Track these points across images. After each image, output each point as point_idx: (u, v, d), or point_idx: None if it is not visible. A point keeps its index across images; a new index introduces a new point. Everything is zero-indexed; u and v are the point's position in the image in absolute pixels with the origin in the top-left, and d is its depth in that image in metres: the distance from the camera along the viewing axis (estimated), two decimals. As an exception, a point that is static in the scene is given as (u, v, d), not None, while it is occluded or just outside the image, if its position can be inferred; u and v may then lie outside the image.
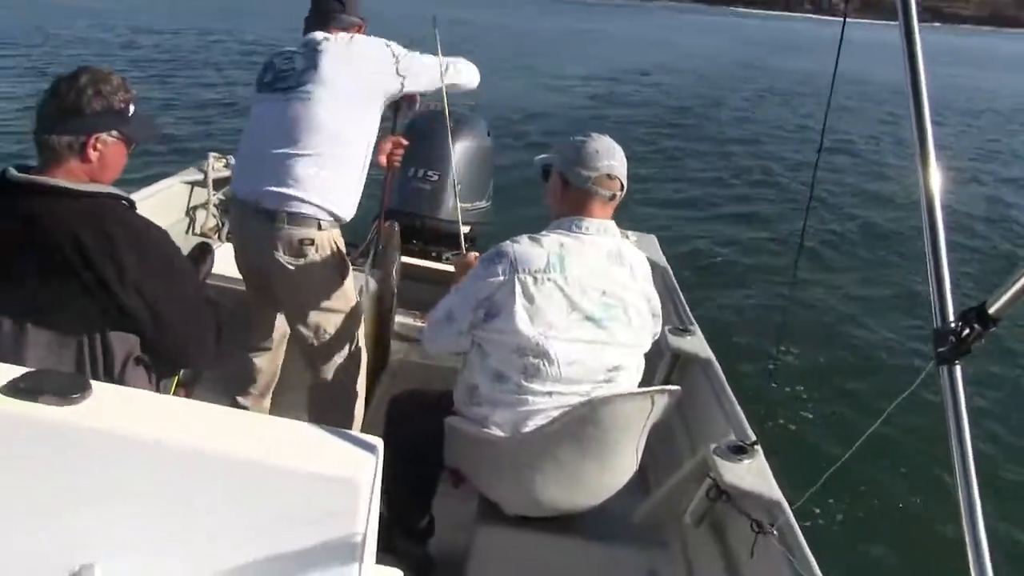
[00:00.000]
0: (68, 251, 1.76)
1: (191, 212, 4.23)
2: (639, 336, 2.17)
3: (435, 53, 2.93)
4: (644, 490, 2.48)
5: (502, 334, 2.03)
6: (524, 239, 2.12)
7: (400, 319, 3.29)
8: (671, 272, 3.62)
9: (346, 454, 1.23)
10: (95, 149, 1.82)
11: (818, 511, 3.56)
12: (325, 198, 2.64)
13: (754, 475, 2.02)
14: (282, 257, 2.64)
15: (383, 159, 2.95)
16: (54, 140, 1.80)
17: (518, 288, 2.02)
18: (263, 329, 2.98)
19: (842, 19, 1.96)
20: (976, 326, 1.10)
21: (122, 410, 1.25)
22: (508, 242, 2.13)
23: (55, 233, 1.77)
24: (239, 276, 2.93)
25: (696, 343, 2.95)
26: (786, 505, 1.95)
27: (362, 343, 2.91)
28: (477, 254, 2.53)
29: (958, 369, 1.14)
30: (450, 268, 3.32)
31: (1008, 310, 1.11)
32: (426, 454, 2.24)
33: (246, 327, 2.96)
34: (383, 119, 2.86)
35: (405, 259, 3.75)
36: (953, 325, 1.13)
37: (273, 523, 1.22)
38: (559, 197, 2.20)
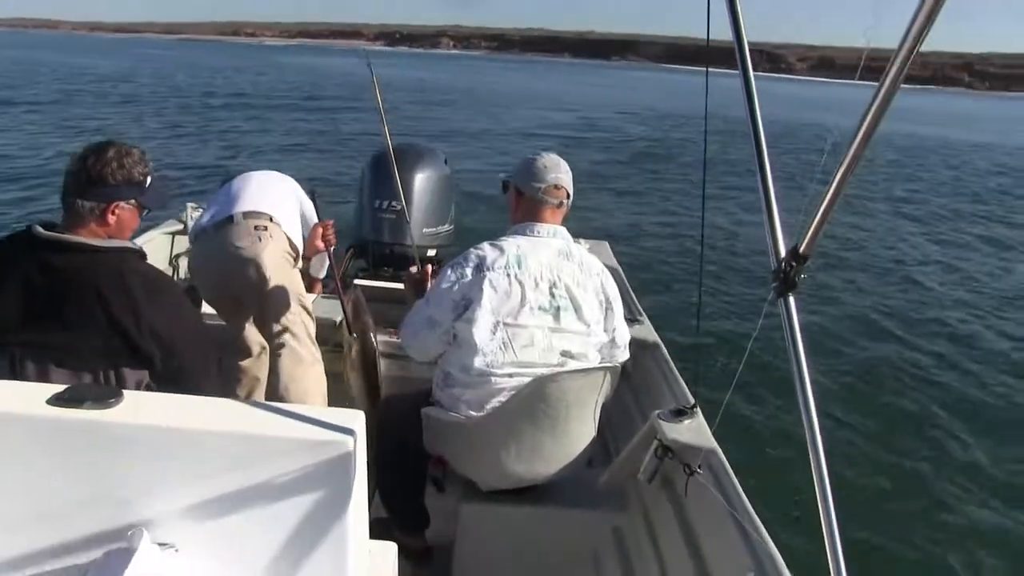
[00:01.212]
0: (89, 300, 1.98)
1: (174, 260, 4.49)
2: (589, 325, 2.45)
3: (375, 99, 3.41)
4: (605, 457, 2.78)
5: (470, 323, 2.33)
6: (486, 245, 2.44)
7: (379, 337, 3.57)
8: (621, 272, 3.98)
9: (333, 425, 1.51)
10: (113, 214, 2.07)
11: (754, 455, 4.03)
12: (270, 205, 3.21)
13: (692, 432, 2.32)
14: (242, 243, 3.06)
15: (319, 243, 3.42)
16: (79, 204, 2.04)
17: (486, 283, 2.33)
18: (243, 346, 3.32)
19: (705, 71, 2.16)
20: (794, 263, 1.41)
21: (149, 410, 1.52)
22: (472, 248, 2.45)
23: (78, 284, 1.99)
24: (214, 312, 3.26)
25: (644, 330, 3.30)
26: (719, 451, 2.26)
27: (311, 334, 3.27)
28: (427, 269, 2.89)
29: (791, 300, 1.43)
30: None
31: (813, 247, 1.41)
32: (409, 444, 2.51)
33: (231, 348, 3.28)
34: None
35: (377, 283, 4.07)
36: (783, 265, 1.43)
37: (275, 488, 1.48)
38: (515, 206, 2.56)
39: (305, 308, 3.24)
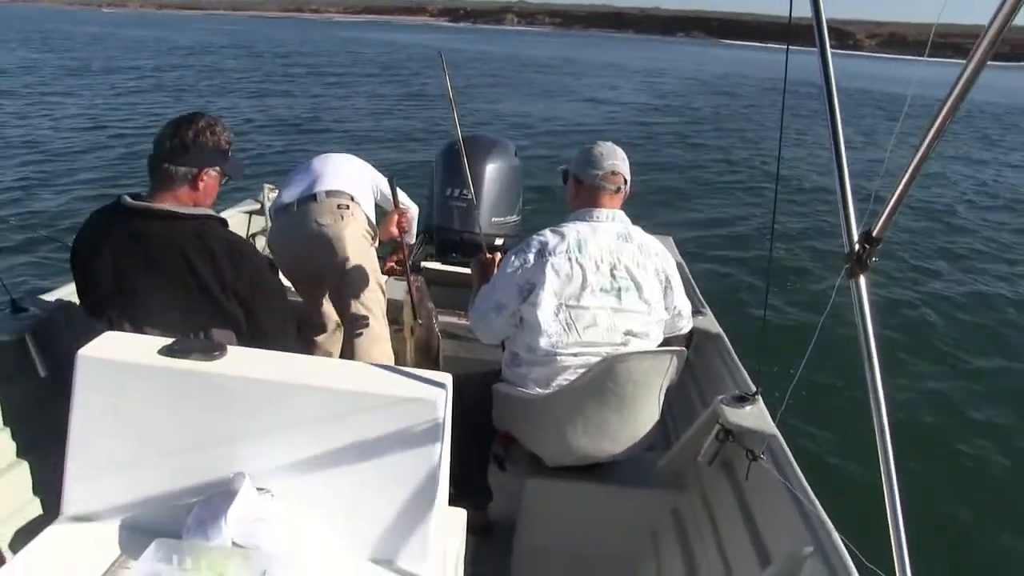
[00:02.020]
0: (178, 265, 2.12)
1: (251, 239, 4.64)
2: (651, 305, 2.53)
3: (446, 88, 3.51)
4: (666, 442, 2.85)
5: (535, 306, 2.43)
6: (547, 231, 2.54)
7: (445, 318, 3.70)
8: (686, 266, 4.04)
9: (423, 384, 1.62)
10: (202, 180, 2.20)
11: (816, 443, 4.02)
12: (351, 186, 3.30)
13: (754, 417, 2.38)
14: (324, 221, 3.15)
15: (394, 229, 3.52)
16: (171, 170, 2.17)
17: (548, 268, 2.43)
18: (319, 321, 3.45)
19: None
20: (866, 245, 1.47)
21: (251, 362, 1.65)
22: (534, 235, 2.55)
23: (167, 250, 2.12)
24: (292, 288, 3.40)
25: (707, 321, 3.36)
26: (780, 437, 2.31)
27: (382, 308, 3.35)
28: (495, 255, 2.98)
29: (863, 280, 1.49)
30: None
31: (886, 231, 1.46)
32: (479, 420, 2.62)
33: (307, 324, 3.40)
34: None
35: (445, 267, 4.20)
36: (856, 247, 1.49)
37: (366, 442, 1.60)
38: (575, 194, 2.64)
39: (380, 287, 3.33)
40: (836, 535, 1.90)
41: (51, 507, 1.68)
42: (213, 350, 1.64)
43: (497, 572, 2.65)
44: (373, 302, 3.25)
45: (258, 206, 4.70)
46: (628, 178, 2.62)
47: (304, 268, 3.30)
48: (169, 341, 1.68)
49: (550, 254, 2.46)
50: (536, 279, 2.44)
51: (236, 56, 39.97)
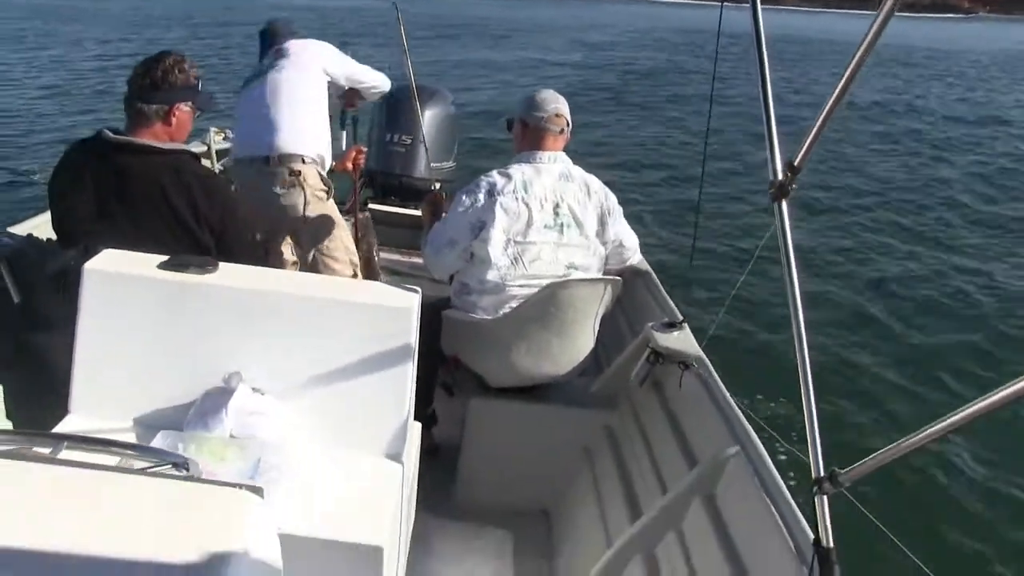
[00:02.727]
0: (155, 195, 2.26)
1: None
2: (589, 239, 2.81)
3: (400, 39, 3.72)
4: (598, 369, 3.12)
5: (485, 242, 2.67)
6: (495, 173, 2.76)
7: (388, 255, 3.93)
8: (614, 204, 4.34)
9: (397, 294, 1.84)
10: (174, 115, 2.34)
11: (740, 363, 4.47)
12: (303, 141, 3.34)
13: (682, 341, 2.65)
14: (278, 190, 3.30)
15: (349, 165, 3.71)
16: (145, 108, 2.31)
17: (498, 207, 2.66)
18: (276, 261, 3.51)
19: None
20: (788, 173, 1.67)
21: (241, 275, 1.85)
22: (482, 176, 2.76)
23: (144, 181, 2.27)
24: None
25: (636, 259, 3.63)
26: (705, 357, 2.59)
27: (355, 258, 3.50)
28: (441, 194, 3.23)
29: (784, 206, 1.69)
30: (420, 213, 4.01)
31: (805, 161, 1.65)
32: (427, 346, 2.84)
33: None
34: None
35: (389, 208, 4.41)
36: (780, 176, 1.68)
37: (346, 346, 1.80)
38: (521, 136, 2.85)
39: (341, 236, 3.48)
40: (756, 437, 2.12)
41: (35, 424, 1.81)
42: (207, 264, 1.82)
43: (444, 488, 2.88)
44: (335, 251, 3.42)
45: (204, 148, 4.81)
46: (570, 120, 2.85)
47: (262, 222, 3.41)
48: (167, 258, 1.86)
49: (499, 194, 2.68)
50: (486, 217, 2.67)
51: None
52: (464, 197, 2.75)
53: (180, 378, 1.80)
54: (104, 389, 1.80)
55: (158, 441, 1.71)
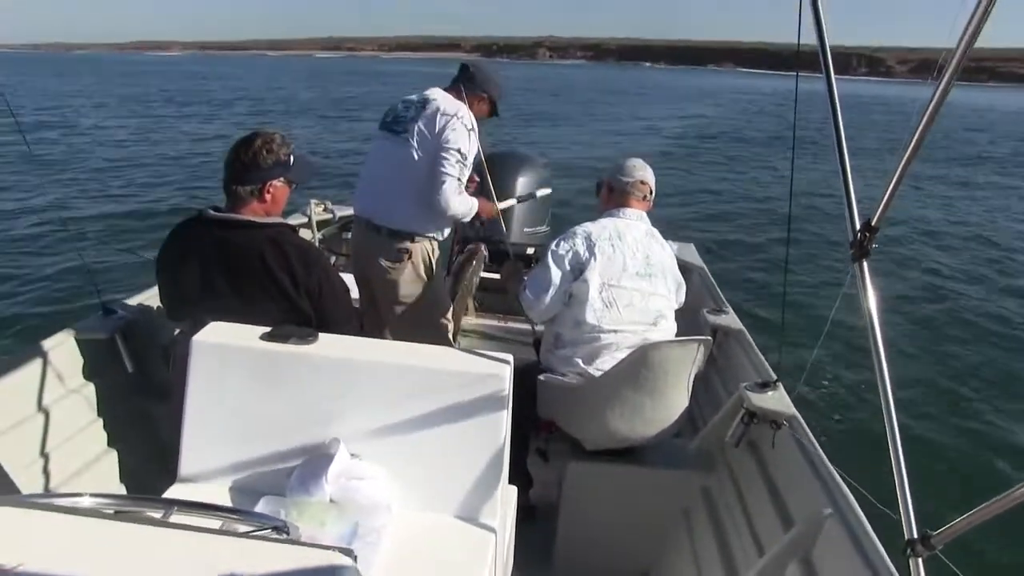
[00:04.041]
0: (256, 267, 2.37)
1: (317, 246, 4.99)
2: (671, 291, 2.93)
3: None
4: (694, 428, 3.09)
5: (585, 284, 2.78)
6: (587, 223, 2.92)
7: (487, 321, 4.01)
8: (707, 269, 4.32)
9: (489, 362, 1.88)
10: (268, 192, 2.46)
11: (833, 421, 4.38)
12: (416, 218, 3.32)
13: (775, 401, 2.62)
14: (383, 262, 3.33)
15: (480, 207, 3.59)
16: (239, 189, 2.43)
17: (596, 250, 2.81)
18: (374, 330, 3.56)
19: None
20: (867, 233, 1.69)
21: (339, 345, 1.93)
22: (576, 227, 2.91)
23: (247, 255, 2.38)
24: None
25: (729, 319, 3.63)
26: (799, 416, 2.55)
27: (449, 337, 3.54)
28: (520, 264, 3.35)
29: (865, 265, 1.71)
30: None
31: (883, 219, 1.67)
32: (520, 409, 2.87)
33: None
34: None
35: (485, 275, 4.49)
36: (857, 236, 1.71)
37: (440, 414, 1.85)
38: (607, 199, 3.04)
39: (436, 315, 3.50)
40: (852, 497, 2.10)
41: (144, 488, 1.92)
42: (308, 335, 1.91)
43: (542, 552, 2.89)
44: (423, 331, 3.38)
45: (305, 219, 4.99)
46: (654, 189, 3.02)
47: (365, 288, 3.49)
48: (269, 328, 1.95)
49: (596, 239, 2.83)
50: (585, 260, 2.81)
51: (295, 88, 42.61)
52: (562, 242, 2.88)
53: (282, 445, 1.87)
54: (211, 456, 1.89)
55: (261, 506, 1.78)
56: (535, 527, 2.93)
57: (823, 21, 1.82)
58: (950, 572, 1.70)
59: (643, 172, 2.99)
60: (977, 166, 21.80)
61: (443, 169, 3.21)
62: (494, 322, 4.16)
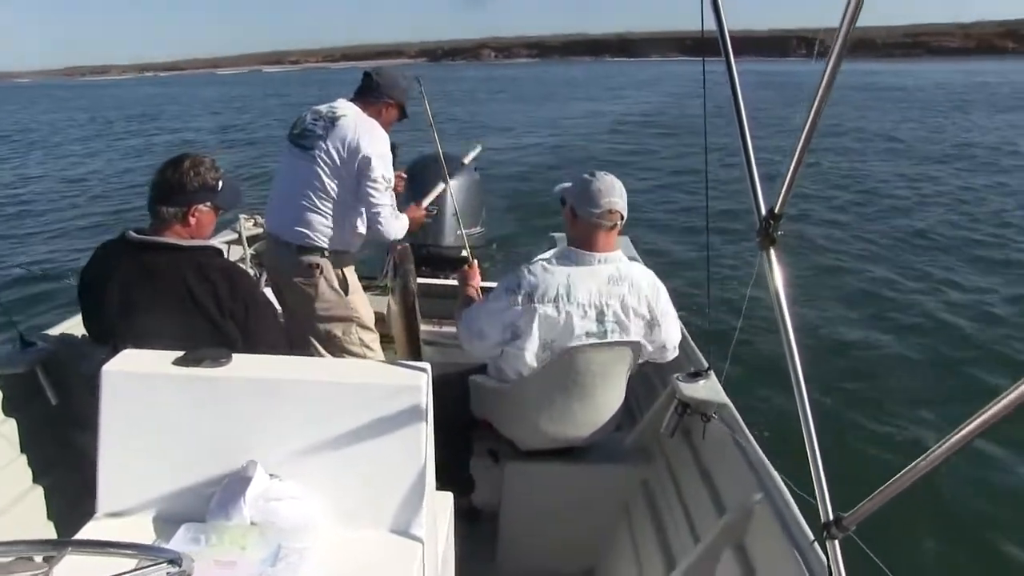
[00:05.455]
0: (179, 291, 2.34)
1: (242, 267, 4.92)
2: (639, 335, 2.66)
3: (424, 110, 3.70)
4: (633, 421, 3.12)
5: (520, 351, 2.61)
6: (538, 268, 2.58)
7: (422, 327, 3.98)
8: (641, 262, 4.33)
9: (406, 372, 1.86)
10: (193, 216, 2.43)
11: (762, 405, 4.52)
12: (325, 234, 3.32)
13: (707, 390, 2.65)
14: (297, 278, 3.34)
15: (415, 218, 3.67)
16: (164, 210, 2.41)
17: (536, 316, 2.54)
18: (302, 348, 3.52)
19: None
20: (771, 221, 1.70)
21: (254, 365, 1.90)
22: (525, 271, 2.59)
23: (168, 278, 2.35)
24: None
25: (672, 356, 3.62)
26: (731, 404, 2.58)
27: (373, 347, 3.53)
28: (475, 265, 3.20)
29: (772, 252, 1.71)
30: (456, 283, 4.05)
31: (784, 206, 1.68)
32: (457, 414, 2.87)
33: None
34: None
35: (421, 280, 4.47)
36: (762, 224, 1.71)
37: (358, 429, 1.82)
38: (571, 224, 2.67)
39: (360, 325, 3.49)
40: (781, 482, 2.15)
41: (72, 524, 1.86)
42: (221, 357, 1.87)
43: (485, 552, 2.89)
44: (344, 345, 3.44)
45: (236, 236, 4.94)
46: (625, 214, 2.61)
47: (283, 302, 3.47)
48: (182, 353, 1.90)
49: (539, 300, 2.53)
50: (522, 325, 2.56)
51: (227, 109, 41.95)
52: (503, 293, 2.60)
53: (201, 471, 1.83)
54: (129, 489, 1.84)
55: (181, 534, 1.75)
56: (479, 531, 2.93)
57: (720, 5, 1.82)
58: (876, 553, 1.73)
59: (611, 197, 2.57)
60: (896, 143, 22.10)
61: (374, 201, 3.29)
62: (431, 327, 4.14)
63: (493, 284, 3.17)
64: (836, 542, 1.55)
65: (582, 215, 2.60)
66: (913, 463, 1.34)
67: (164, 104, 51.94)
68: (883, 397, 5.76)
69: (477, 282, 3.13)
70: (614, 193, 2.59)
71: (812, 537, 1.87)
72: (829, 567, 1.56)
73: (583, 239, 2.62)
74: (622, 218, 2.62)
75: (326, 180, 3.27)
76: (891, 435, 5.16)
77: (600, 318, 2.58)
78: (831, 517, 1.55)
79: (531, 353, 2.59)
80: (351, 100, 3.43)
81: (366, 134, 3.27)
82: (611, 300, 2.58)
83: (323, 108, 3.38)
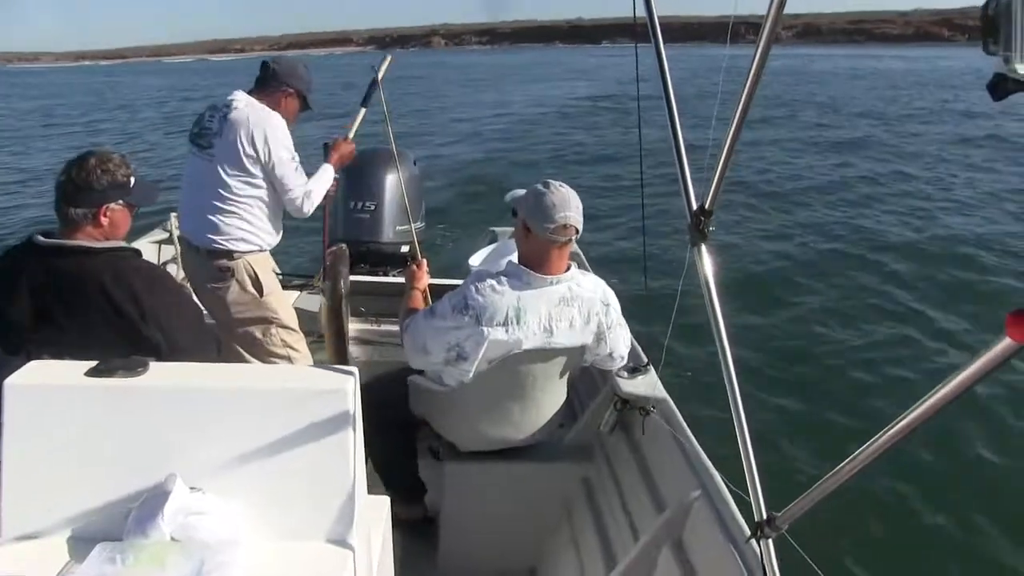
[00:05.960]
0: (95, 296, 2.20)
1: (163, 267, 4.78)
2: (585, 348, 2.63)
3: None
4: (574, 418, 3.09)
5: (464, 373, 2.54)
6: (487, 289, 2.45)
7: (361, 326, 3.91)
8: (583, 256, 4.32)
9: (331, 376, 1.79)
10: (105, 216, 2.29)
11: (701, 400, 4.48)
12: (234, 235, 3.27)
13: (645, 385, 2.64)
14: (210, 284, 3.29)
15: (336, 158, 3.60)
16: (71, 212, 2.25)
17: (486, 342, 2.45)
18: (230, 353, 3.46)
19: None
20: (702, 218, 1.68)
21: (172, 375, 1.82)
22: (473, 290, 2.47)
23: (82, 283, 2.21)
24: None
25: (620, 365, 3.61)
26: (669, 400, 2.58)
27: (298, 347, 3.47)
28: (422, 263, 3.06)
29: (703, 248, 1.70)
30: (396, 280, 3.98)
31: (715, 203, 1.65)
32: (397, 414, 2.81)
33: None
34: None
35: (357, 278, 4.38)
36: (693, 220, 1.70)
37: (284, 436, 1.75)
38: (523, 239, 2.55)
39: (281, 325, 3.43)
40: (719, 478, 2.14)
41: None
42: (136, 366, 1.78)
43: (427, 558, 2.84)
44: (272, 346, 3.38)
45: (166, 235, 4.82)
46: (580, 228, 2.50)
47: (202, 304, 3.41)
48: (95, 363, 1.80)
49: (487, 323, 2.43)
50: (469, 348, 2.47)
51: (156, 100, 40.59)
52: (450, 310, 2.49)
53: (117, 487, 1.75)
54: (39, 509, 1.74)
55: (96, 554, 1.66)
56: (420, 534, 2.88)
57: None
58: (809, 553, 1.73)
59: (566, 211, 2.43)
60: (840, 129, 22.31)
61: (287, 183, 3.27)
62: (370, 326, 4.06)
63: (438, 281, 3.11)
64: (769, 541, 1.54)
65: (536, 231, 2.47)
66: (841, 464, 1.33)
67: (105, 92, 50.21)
68: (820, 392, 5.79)
69: (424, 283, 2.96)
70: (569, 207, 2.45)
71: (748, 534, 1.86)
72: (763, 566, 1.55)
73: (536, 258, 2.51)
74: (577, 232, 2.50)
75: (227, 179, 3.25)
76: (827, 430, 5.18)
77: (548, 339, 2.52)
78: (764, 516, 1.55)
79: (474, 370, 2.53)
80: (249, 92, 3.39)
81: (259, 121, 3.25)
82: (560, 321, 2.51)
83: (220, 103, 3.35)
